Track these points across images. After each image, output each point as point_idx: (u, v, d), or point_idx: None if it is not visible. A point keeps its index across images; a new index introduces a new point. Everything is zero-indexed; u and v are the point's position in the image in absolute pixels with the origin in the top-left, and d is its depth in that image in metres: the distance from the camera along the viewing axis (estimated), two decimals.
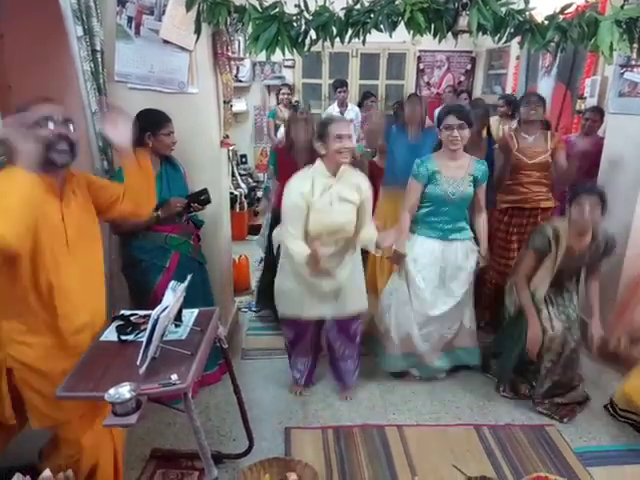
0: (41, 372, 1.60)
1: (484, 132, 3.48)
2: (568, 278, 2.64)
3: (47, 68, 2.41)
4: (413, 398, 2.75)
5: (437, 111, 4.62)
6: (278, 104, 5.59)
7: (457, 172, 2.59)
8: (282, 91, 5.50)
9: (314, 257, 2.15)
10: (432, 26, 2.47)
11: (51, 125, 1.52)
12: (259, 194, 5.88)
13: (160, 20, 2.47)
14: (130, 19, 2.48)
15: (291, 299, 2.48)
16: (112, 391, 1.38)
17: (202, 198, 2.49)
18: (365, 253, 2.93)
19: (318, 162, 2.34)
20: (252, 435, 2.26)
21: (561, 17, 2.48)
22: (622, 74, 2.91)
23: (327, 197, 2.28)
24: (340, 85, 5.51)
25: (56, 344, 1.62)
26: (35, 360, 1.59)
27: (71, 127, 1.59)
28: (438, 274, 2.68)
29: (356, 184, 2.36)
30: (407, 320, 2.73)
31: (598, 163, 3.13)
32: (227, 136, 3.08)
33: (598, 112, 3.59)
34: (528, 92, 3.29)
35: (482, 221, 2.76)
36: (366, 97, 5.62)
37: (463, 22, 2.41)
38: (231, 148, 4.80)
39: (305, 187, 2.26)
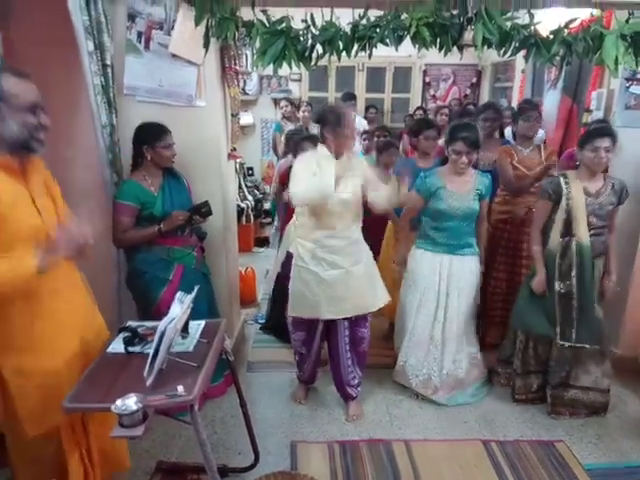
0: (43, 374, 1.55)
1: (497, 134, 3.50)
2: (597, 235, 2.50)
3: (58, 82, 2.44)
4: (420, 412, 2.73)
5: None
6: (282, 118, 5.65)
7: (462, 187, 2.59)
8: (281, 104, 5.59)
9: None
10: (437, 40, 2.50)
11: (40, 114, 1.49)
12: (266, 206, 5.90)
13: (169, 35, 2.51)
14: (140, 34, 2.52)
15: (308, 300, 2.48)
16: (119, 402, 1.38)
17: (204, 210, 2.50)
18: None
19: (321, 147, 2.41)
20: (258, 449, 2.25)
21: (566, 31, 2.50)
22: (628, 87, 2.91)
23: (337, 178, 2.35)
24: (349, 98, 5.55)
25: (64, 347, 1.61)
26: (32, 363, 1.54)
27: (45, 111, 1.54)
28: (443, 289, 2.66)
29: (356, 162, 2.50)
30: (422, 357, 2.74)
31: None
32: (234, 149, 3.11)
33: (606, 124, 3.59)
34: (526, 106, 3.24)
35: (482, 231, 2.79)
36: (366, 110, 5.68)
37: (468, 36, 2.44)
38: (238, 160, 4.84)
39: (312, 167, 2.33)
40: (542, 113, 3.60)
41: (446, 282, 2.65)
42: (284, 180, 3.35)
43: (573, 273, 2.48)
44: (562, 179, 2.49)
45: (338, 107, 2.45)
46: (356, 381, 2.70)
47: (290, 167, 3.25)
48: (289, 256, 2.71)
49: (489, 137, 3.38)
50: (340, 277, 2.44)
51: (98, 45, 2.31)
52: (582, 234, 2.44)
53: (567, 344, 2.54)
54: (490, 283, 3.14)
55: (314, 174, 2.29)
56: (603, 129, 2.48)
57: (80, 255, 1.56)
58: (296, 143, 3.19)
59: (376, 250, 3.29)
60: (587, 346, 2.54)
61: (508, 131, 3.98)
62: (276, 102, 6.56)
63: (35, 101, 1.47)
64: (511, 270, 3.16)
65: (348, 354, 2.65)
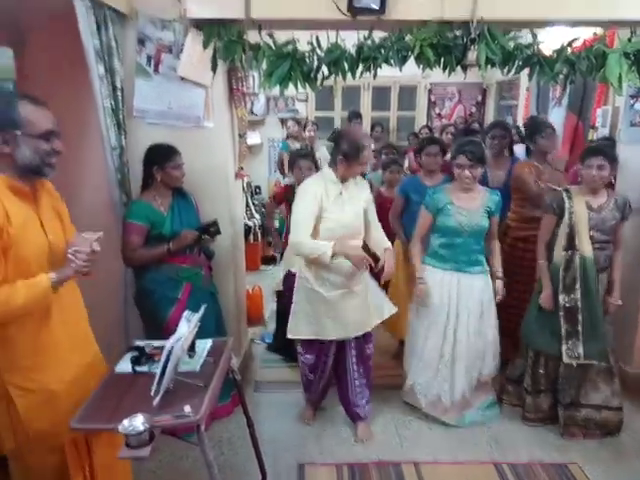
0: (49, 395, 1.56)
1: (506, 152, 3.46)
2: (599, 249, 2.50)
3: (69, 105, 2.49)
4: (429, 433, 2.69)
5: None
6: (287, 137, 5.71)
7: (471, 203, 2.59)
8: (288, 124, 5.66)
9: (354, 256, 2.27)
10: (441, 60, 2.54)
11: (54, 140, 1.53)
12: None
13: (178, 58, 2.56)
14: (149, 57, 2.58)
15: (313, 321, 2.47)
16: (126, 422, 1.38)
17: (212, 230, 2.52)
18: (385, 287, 2.93)
19: (327, 169, 2.42)
20: (265, 470, 2.22)
21: (569, 50, 2.53)
22: (632, 105, 2.92)
23: (339, 201, 2.38)
24: (355, 117, 5.62)
25: (67, 365, 1.62)
26: (39, 381, 1.55)
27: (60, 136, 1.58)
28: (452, 309, 2.62)
29: (360, 187, 2.52)
30: (432, 379, 2.71)
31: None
32: (241, 168, 3.14)
33: (611, 142, 3.58)
34: (543, 122, 3.22)
35: (496, 249, 2.73)
36: (372, 128, 5.78)
37: (472, 56, 2.47)
38: (245, 179, 4.88)
39: (319, 191, 2.35)
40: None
41: (455, 301, 2.62)
42: (278, 199, 3.43)
43: (577, 286, 2.47)
44: (565, 194, 2.52)
45: (359, 139, 2.35)
46: (364, 400, 2.67)
47: (287, 187, 3.28)
48: (289, 274, 2.70)
49: (498, 155, 3.36)
50: (344, 297, 2.43)
51: (108, 69, 2.36)
52: (585, 247, 2.45)
53: (575, 362, 2.51)
54: (510, 302, 3.07)
55: (313, 215, 2.31)
56: (596, 148, 2.54)
57: (88, 271, 1.58)
58: (292, 160, 3.22)
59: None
60: (595, 363, 2.52)
61: (518, 148, 3.94)
62: (283, 122, 6.64)
63: (50, 129, 1.51)
64: (531, 290, 3.11)
65: (356, 374, 2.63)
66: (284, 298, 2.90)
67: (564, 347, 2.51)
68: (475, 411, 2.76)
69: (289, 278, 2.69)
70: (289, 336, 2.55)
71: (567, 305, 2.50)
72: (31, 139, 1.47)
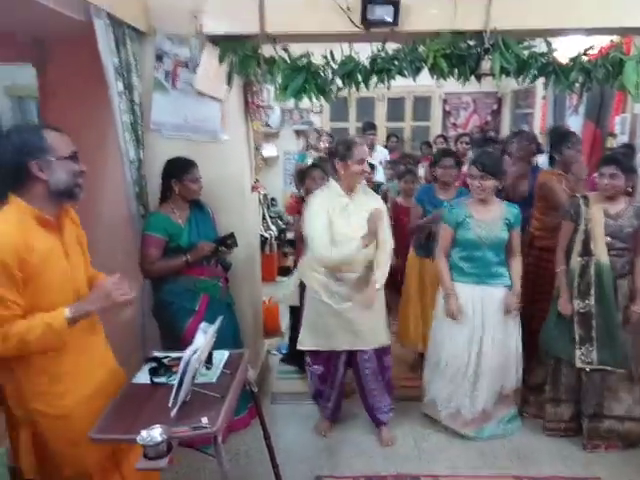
0: (71, 418, 1.57)
1: (530, 162, 3.40)
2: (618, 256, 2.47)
3: (90, 120, 2.56)
4: (449, 447, 2.64)
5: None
6: (308, 149, 5.65)
7: (489, 215, 2.55)
8: (309, 135, 5.57)
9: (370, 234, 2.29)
10: (455, 70, 2.54)
11: (79, 162, 1.59)
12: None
13: (194, 73, 2.61)
14: (167, 73, 2.63)
15: (323, 332, 2.49)
16: (144, 433, 1.39)
17: (229, 242, 2.54)
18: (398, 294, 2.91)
19: (332, 182, 2.43)
20: None
21: (585, 58, 2.51)
22: None
23: (345, 213, 2.38)
24: (369, 128, 5.62)
25: (91, 391, 1.63)
26: (63, 407, 1.57)
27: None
28: (477, 322, 2.57)
29: (370, 197, 2.51)
30: (456, 393, 2.66)
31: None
32: (257, 180, 3.17)
33: (630, 149, 3.54)
34: (569, 131, 3.20)
35: (516, 265, 2.64)
36: (387, 138, 5.78)
37: (486, 66, 2.48)
38: (261, 192, 4.92)
39: (324, 203, 2.36)
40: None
41: (480, 314, 2.57)
42: (291, 211, 3.50)
43: (592, 292, 2.46)
44: (582, 200, 2.51)
45: (350, 138, 2.44)
46: (386, 408, 2.67)
47: (300, 199, 3.29)
48: (304, 286, 2.68)
49: (522, 165, 3.32)
50: (353, 309, 2.43)
51: (127, 84, 2.41)
52: (601, 254, 2.43)
53: (588, 367, 2.48)
54: (535, 313, 2.97)
55: (327, 226, 2.31)
56: (610, 156, 2.57)
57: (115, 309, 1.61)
58: (302, 172, 3.24)
59: (400, 281, 3.28)
60: (609, 368, 2.47)
61: (542, 159, 3.84)
62: (299, 133, 6.68)
63: (74, 150, 1.58)
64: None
65: (373, 384, 2.62)
66: (298, 311, 2.89)
67: (577, 352, 2.50)
68: (495, 424, 2.71)
69: (304, 289, 2.68)
70: (298, 347, 2.59)
71: (581, 310, 2.49)
72: (62, 162, 1.53)
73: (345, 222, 2.37)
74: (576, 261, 2.51)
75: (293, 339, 3.45)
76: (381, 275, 2.40)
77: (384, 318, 2.62)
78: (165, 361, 1.84)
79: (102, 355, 1.76)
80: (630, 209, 2.46)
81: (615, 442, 2.57)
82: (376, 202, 2.51)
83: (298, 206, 3.27)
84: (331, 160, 2.43)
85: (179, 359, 1.61)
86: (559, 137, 3.12)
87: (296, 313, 3.36)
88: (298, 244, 3.35)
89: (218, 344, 1.86)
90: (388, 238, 2.48)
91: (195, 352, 1.55)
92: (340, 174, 2.39)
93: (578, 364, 2.50)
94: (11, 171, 1.49)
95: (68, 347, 1.56)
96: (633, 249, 2.49)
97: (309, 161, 4.99)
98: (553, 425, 2.69)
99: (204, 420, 1.51)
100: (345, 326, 2.45)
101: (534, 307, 2.93)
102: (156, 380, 1.74)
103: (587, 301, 2.47)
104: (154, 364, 1.82)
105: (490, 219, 2.55)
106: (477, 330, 2.58)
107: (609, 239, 2.44)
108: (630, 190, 2.54)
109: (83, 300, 1.58)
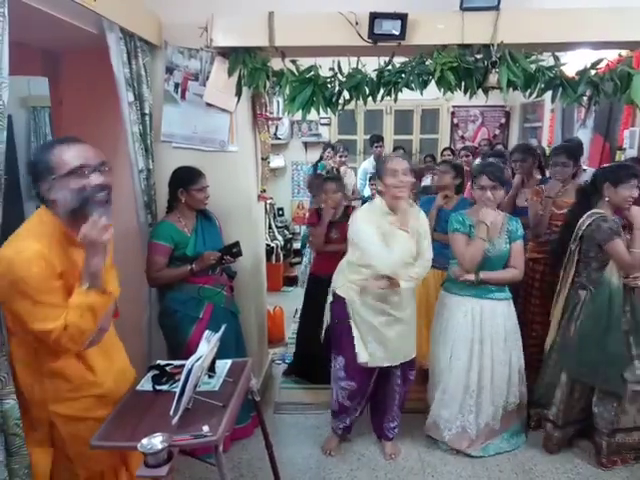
0: (89, 420, 1.59)
1: (536, 174, 3.45)
2: None
3: (100, 130, 2.60)
4: (453, 460, 2.62)
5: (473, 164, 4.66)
6: (323, 159, 5.50)
7: (493, 229, 2.52)
8: (325, 154, 5.30)
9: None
10: (462, 83, 2.55)
11: (92, 176, 1.48)
12: (295, 245, 5.96)
13: (204, 85, 2.65)
14: (177, 85, 2.68)
15: (369, 345, 2.42)
16: (145, 441, 1.39)
17: (234, 251, 2.54)
18: None
19: (379, 200, 2.40)
20: None
21: (593, 72, 2.51)
22: None
23: (391, 233, 2.32)
24: (377, 140, 5.64)
25: (100, 395, 1.64)
26: (82, 411, 1.59)
27: (106, 170, 1.54)
28: (476, 336, 2.55)
29: (415, 218, 2.42)
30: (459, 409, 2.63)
31: None
32: (264, 190, 3.19)
33: (639, 163, 3.52)
34: (557, 150, 3.25)
35: (508, 272, 2.57)
36: (394, 151, 5.70)
37: (493, 79, 2.48)
38: (268, 202, 4.94)
39: (371, 224, 2.31)
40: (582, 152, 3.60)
41: (479, 329, 2.55)
42: (310, 223, 3.42)
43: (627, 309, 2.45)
44: (610, 220, 2.43)
45: (388, 156, 2.44)
46: (396, 423, 2.66)
47: (317, 210, 3.30)
48: (336, 300, 2.50)
49: (528, 176, 3.38)
50: (389, 323, 2.41)
51: (138, 96, 2.46)
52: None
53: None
54: (526, 326, 3.01)
55: (379, 242, 2.28)
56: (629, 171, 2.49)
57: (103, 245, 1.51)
58: (318, 184, 3.27)
59: None
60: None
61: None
62: (306, 145, 6.72)
63: (81, 164, 1.46)
64: (547, 312, 3.05)
65: (397, 397, 2.60)
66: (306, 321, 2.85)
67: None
68: (500, 441, 2.67)
69: (336, 302, 2.51)
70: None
71: (626, 328, 2.45)
72: (63, 179, 1.45)
73: (392, 239, 2.33)
74: (618, 280, 2.42)
75: (299, 351, 3.46)
76: (414, 274, 2.36)
77: (415, 329, 2.58)
78: (168, 369, 1.85)
79: (124, 364, 1.79)
80: None
81: (628, 456, 2.54)
82: (417, 218, 2.44)
83: (314, 218, 3.29)
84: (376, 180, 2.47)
85: (182, 367, 1.62)
86: (549, 155, 3.24)
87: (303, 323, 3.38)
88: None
89: (222, 352, 1.86)
90: (428, 251, 2.44)
91: (198, 360, 1.56)
92: (382, 193, 2.38)
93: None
94: (36, 192, 1.50)
95: (90, 356, 1.59)
96: None
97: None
98: (556, 447, 2.65)
99: (205, 428, 1.51)
100: (382, 341, 2.41)
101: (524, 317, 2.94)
102: (158, 387, 1.75)
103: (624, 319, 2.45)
104: (157, 372, 1.83)
105: (493, 232, 2.50)
106: (477, 344, 2.55)
107: None
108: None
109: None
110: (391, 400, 2.61)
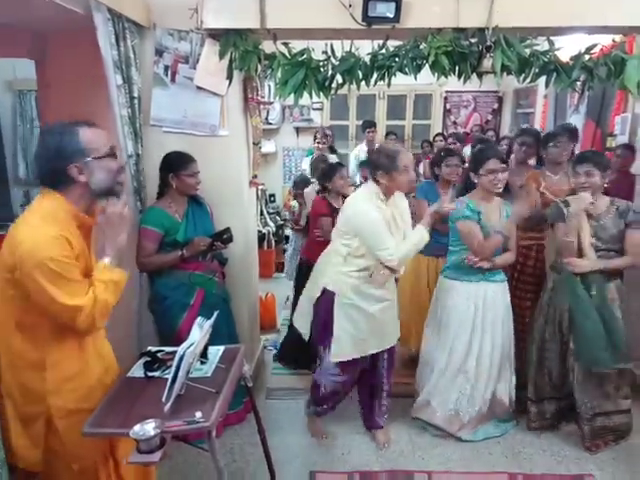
0: (83, 412, 1.58)
1: (533, 161, 3.40)
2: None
3: (88, 113, 2.54)
4: (443, 443, 2.65)
5: (467, 151, 4.65)
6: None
7: (493, 215, 2.55)
8: (318, 138, 5.22)
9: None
10: (456, 68, 2.53)
11: (118, 157, 1.57)
12: (287, 232, 5.94)
13: (194, 68, 2.60)
14: (167, 68, 2.62)
15: (358, 340, 2.42)
16: (137, 428, 1.39)
17: (225, 237, 2.53)
18: None
19: (374, 186, 2.35)
20: (276, 478, 2.22)
21: (587, 57, 2.50)
22: None
23: (392, 220, 2.38)
24: (369, 126, 5.61)
25: (95, 382, 1.65)
26: (78, 401, 1.58)
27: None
28: (478, 321, 2.57)
29: (404, 203, 2.50)
30: (453, 393, 2.65)
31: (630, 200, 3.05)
32: (255, 176, 3.16)
33: (629, 150, 3.53)
34: (556, 131, 3.21)
35: (512, 256, 2.63)
36: (386, 136, 5.66)
37: (487, 63, 2.46)
38: (260, 187, 4.91)
39: (378, 211, 2.31)
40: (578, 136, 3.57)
41: (482, 312, 2.56)
42: (320, 213, 3.21)
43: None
44: (562, 203, 2.48)
45: (392, 148, 2.35)
46: (385, 409, 2.67)
47: (325, 199, 3.23)
48: (325, 294, 2.44)
49: (522, 164, 3.31)
50: (384, 310, 2.43)
51: (126, 79, 2.41)
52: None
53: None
54: (515, 312, 3.03)
55: (391, 229, 2.33)
56: (582, 156, 2.52)
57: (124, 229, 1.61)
58: (325, 173, 3.23)
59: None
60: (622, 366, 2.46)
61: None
62: (298, 131, 6.67)
63: (112, 145, 1.55)
64: (537, 298, 3.08)
65: (385, 380, 2.62)
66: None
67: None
68: (490, 425, 2.70)
69: (324, 297, 2.44)
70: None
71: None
72: (100, 161, 1.50)
73: (395, 226, 2.38)
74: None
75: (288, 338, 3.45)
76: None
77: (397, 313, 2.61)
78: (160, 355, 1.85)
79: (102, 346, 1.76)
80: (612, 209, 2.45)
81: (609, 438, 2.59)
82: (402, 200, 2.50)
83: (323, 207, 3.18)
84: (373, 174, 2.35)
85: (174, 353, 1.61)
86: (547, 136, 3.15)
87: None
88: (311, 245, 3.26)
89: (214, 339, 1.85)
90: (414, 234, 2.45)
91: (190, 346, 1.55)
92: (382, 184, 2.32)
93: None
94: (50, 175, 1.48)
95: (86, 348, 1.61)
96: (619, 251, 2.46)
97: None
98: (536, 424, 2.71)
99: (198, 414, 1.51)
100: (377, 328, 2.43)
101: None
102: (150, 374, 1.74)
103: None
104: (148, 358, 1.82)
105: (494, 218, 2.54)
106: (478, 329, 2.58)
107: (593, 240, 2.43)
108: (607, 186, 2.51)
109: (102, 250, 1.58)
110: (379, 386, 2.62)
